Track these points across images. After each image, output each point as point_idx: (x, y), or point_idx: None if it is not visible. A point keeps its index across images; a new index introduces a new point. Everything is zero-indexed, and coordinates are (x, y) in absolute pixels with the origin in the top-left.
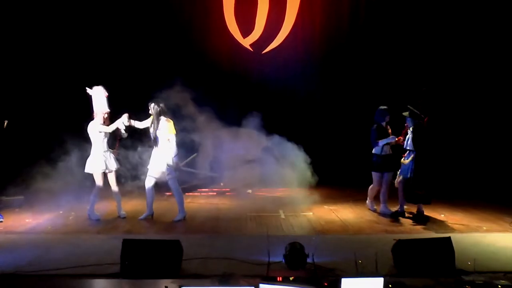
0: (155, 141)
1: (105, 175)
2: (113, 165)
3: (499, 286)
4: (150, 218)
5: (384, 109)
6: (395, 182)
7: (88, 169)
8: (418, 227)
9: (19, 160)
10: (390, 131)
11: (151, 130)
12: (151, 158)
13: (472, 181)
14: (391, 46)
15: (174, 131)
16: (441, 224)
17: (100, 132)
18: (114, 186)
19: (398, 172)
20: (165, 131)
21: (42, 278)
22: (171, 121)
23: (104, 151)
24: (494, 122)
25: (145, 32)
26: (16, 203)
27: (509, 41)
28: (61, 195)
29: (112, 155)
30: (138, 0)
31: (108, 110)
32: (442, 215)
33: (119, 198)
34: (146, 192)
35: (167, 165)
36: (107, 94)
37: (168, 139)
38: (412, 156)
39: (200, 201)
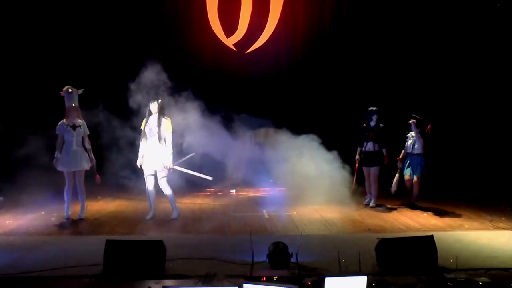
0: (159, 138)
1: (74, 173)
2: (80, 164)
3: (480, 283)
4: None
5: (370, 110)
6: (392, 188)
7: (56, 166)
8: (401, 225)
9: None
10: (372, 133)
11: (151, 128)
12: (148, 157)
13: (454, 181)
14: (375, 45)
15: (171, 129)
16: (423, 223)
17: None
18: (79, 185)
19: (397, 179)
20: (164, 129)
21: (23, 280)
22: (169, 119)
23: (72, 149)
24: (474, 123)
25: (128, 31)
26: None
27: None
28: (43, 196)
29: (83, 154)
30: None
31: (70, 105)
32: (425, 214)
33: (81, 199)
34: (148, 192)
35: (165, 164)
36: (71, 90)
37: (165, 137)
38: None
39: (183, 201)
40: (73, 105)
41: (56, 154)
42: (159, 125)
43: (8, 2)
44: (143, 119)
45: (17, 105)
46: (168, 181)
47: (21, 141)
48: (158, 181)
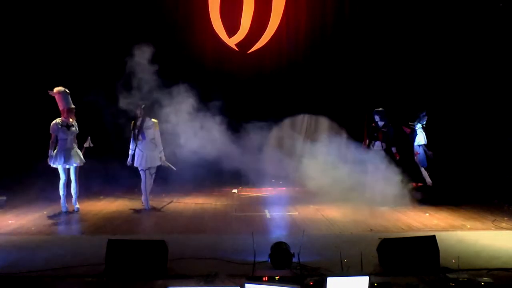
0: (150, 138)
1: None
2: (73, 161)
3: (482, 284)
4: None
5: (376, 111)
6: (428, 181)
7: (51, 162)
8: (403, 225)
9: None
10: (381, 134)
11: (143, 130)
12: (143, 155)
13: (456, 181)
14: (378, 43)
15: (158, 128)
16: (425, 223)
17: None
18: (73, 181)
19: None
20: (154, 130)
21: (25, 280)
22: (156, 120)
23: (66, 147)
24: (477, 124)
25: (130, 30)
26: None
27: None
28: (45, 196)
29: (76, 152)
30: None
31: (69, 106)
32: (427, 214)
33: (75, 192)
34: (143, 185)
35: (160, 161)
36: (68, 91)
37: (155, 137)
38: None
39: (185, 201)
40: (72, 106)
41: (50, 152)
42: (148, 126)
43: None
44: (131, 122)
45: (17, 104)
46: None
47: (22, 141)
48: (148, 175)
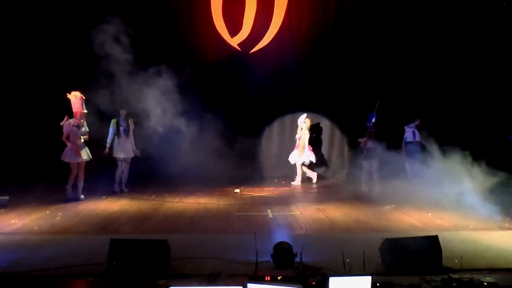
0: (129, 134)
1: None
2: (82, 157)
3: (485, 284)
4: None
5: (370, 113)
6: None
7: (64, 158)
8: (406, 225)
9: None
10: (368, 134)
11: (124, 127)
12: (122, 147)
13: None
14: (379, 44)
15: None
16: (428, 223)
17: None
18: (81, 174)
19: None
20: (132, 127)
21: (28, 279)
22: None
23: (77, 145)
24: (479, 123)
25: (132, 31)
26: (0, 203)
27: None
28: (48, 195)
29: (85, 149)
30: None
31: (81, 110)
32: (430, 214)
33: (81, 184)
34: (119, 172)
35: (136, 152)
36: (84, 97)
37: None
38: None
39: (188, 201)
40: (85, 111)
41: (66, 148)
42: (130, 124)
43: None
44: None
45: (19, 104)
46: None
47: (24, 140)
48: (125, 164)
